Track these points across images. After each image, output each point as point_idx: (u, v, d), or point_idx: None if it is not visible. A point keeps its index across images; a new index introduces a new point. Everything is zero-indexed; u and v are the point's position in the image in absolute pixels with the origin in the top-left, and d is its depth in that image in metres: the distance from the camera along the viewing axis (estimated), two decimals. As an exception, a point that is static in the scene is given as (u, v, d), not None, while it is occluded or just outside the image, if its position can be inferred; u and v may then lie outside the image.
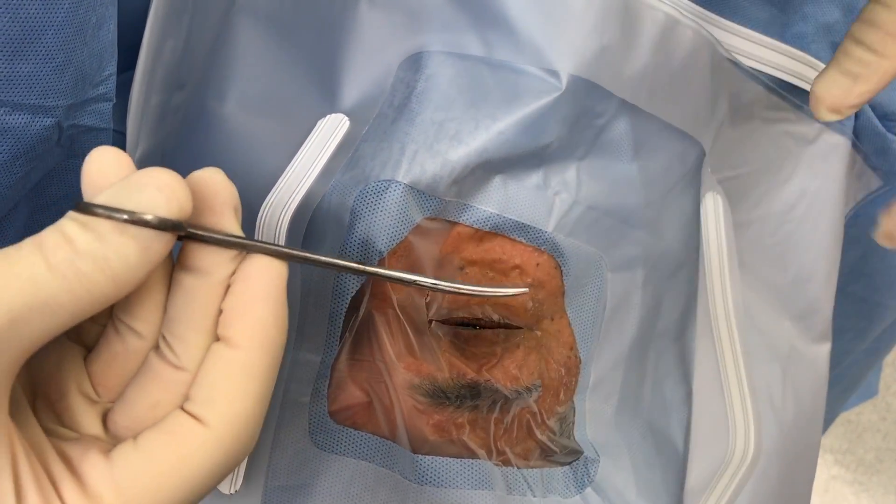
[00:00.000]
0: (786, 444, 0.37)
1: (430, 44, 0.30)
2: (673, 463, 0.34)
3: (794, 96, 0.37)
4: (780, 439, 0.36)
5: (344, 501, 0.30)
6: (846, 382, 0.58)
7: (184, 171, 0.33)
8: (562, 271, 0.33)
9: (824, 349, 0.40)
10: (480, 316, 0.31)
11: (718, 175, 0.36)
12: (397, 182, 0.29)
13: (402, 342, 0.31)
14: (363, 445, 0.30)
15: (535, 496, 0.32)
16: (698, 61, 0.33)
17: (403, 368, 0.30)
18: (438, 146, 0.29)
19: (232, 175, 0.31)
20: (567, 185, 0.32)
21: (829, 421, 0.67)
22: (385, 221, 0.29)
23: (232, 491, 0.29)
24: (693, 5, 0.33)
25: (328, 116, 0.30)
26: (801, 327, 0.39)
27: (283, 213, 0.28)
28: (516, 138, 0.30)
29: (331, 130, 0.30)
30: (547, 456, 0.33)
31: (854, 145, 0.39)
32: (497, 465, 0.32)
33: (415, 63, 0.30)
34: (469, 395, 0.31)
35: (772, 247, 0.38)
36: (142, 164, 0.34)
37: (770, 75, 0.37)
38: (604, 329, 0.34)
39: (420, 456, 0.31)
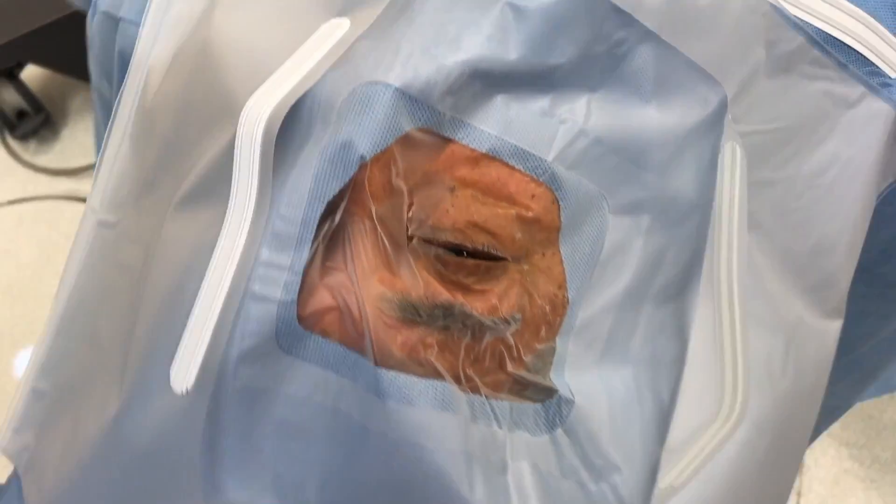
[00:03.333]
0: (778, 417, 0.35)
1: None
2: (654, 418, 0.33)
3: (840, 53, 0.34)
4: (772, 410, 0.35)
5: (305, 410, 0.29)
6: (865, 369, 0.56)
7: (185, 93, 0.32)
8: (559, 206, 0.32)
9: (835, 325, 0.38)
10: (465, 241, 0.30)
11: (748, 127, 0.34)
12: (387, 84, 0.28)
13: (379, 255, 0.30)
14: (329, 354, 0.30)
15: (500, 428, 0.32)
16: None
17: (377, 281, 0.30)
18: (435, 49, 0.28)
19: (234, 86, 0.30)
20: (574, 114, 0.30)
21: (844, 409, 0.65)
22: (371, 125, 0.28)
23: (184, 390, 0.29)
24: None
25: (330, 21, 0.29)
26: (814, 299, 0.37)
27: (265, 106, 0.27)
28: (521, 51, 0.28)
29: (328, 31, 0.28)
30: (519, 391, 0.33)
31: None
32: (464, 391, 0.31)
33: None
34: (442, 316, 0.30)
35: (794, 211, 0.36)
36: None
37: (816, 28, 0.34)
38: (598, 272, 0.33)
39: (383, 370, 0.30)
